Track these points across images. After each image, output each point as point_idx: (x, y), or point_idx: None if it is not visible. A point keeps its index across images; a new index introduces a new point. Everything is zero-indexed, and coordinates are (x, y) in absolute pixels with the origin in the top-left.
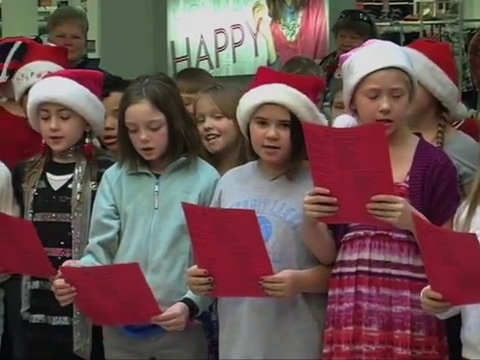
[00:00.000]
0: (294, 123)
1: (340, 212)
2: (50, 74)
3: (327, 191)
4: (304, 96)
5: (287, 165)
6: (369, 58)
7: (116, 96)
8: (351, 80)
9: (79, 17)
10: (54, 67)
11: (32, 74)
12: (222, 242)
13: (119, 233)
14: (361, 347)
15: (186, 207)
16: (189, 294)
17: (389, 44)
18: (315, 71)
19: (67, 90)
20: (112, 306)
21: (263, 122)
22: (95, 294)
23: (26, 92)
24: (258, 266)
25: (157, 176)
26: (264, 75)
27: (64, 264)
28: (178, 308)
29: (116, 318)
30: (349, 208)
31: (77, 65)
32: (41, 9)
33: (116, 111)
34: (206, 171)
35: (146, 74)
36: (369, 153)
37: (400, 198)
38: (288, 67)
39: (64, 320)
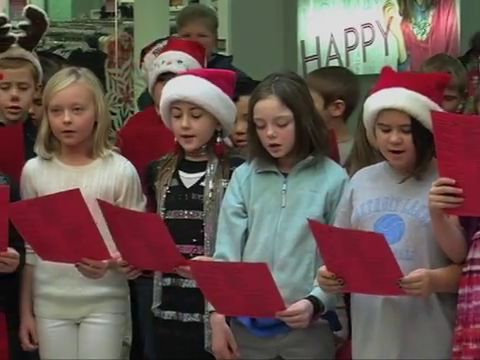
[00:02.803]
0: (415, 126)
1: (466, 203)
2: (183, 73)
3: (453, 181)
4: (424, 98)
5: (415, 167)
6: None
7: (245, 100)
8: None
9: (205, 15)
10: (184, 56)
11: (163, 62)
12: (351, 255)
13: (246, 231)
14: None
15: (313, 225)
16: (314, 292)
17: None
18: (453, 68)
19: (199, 89)
20: (238, 299)
21: (386, 128)
22: (222, 287)
23: (157, 80)
24: (389, 273)
25: (285, 175)
26: (386, 77)
27: (196, 258)
28: (302, 305)
29: (241, 310)
30: (475, 199)
31: (208, 63)
32: (173, 8)
33: (246, 115)
34: (334, 171)
35: (277, 72)
36: None
37: None
38: (429, 61)
39: (195, 317)
